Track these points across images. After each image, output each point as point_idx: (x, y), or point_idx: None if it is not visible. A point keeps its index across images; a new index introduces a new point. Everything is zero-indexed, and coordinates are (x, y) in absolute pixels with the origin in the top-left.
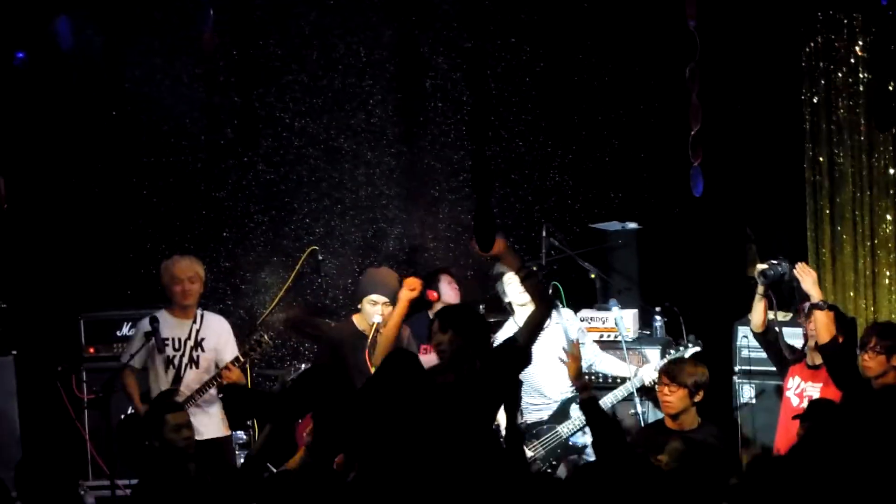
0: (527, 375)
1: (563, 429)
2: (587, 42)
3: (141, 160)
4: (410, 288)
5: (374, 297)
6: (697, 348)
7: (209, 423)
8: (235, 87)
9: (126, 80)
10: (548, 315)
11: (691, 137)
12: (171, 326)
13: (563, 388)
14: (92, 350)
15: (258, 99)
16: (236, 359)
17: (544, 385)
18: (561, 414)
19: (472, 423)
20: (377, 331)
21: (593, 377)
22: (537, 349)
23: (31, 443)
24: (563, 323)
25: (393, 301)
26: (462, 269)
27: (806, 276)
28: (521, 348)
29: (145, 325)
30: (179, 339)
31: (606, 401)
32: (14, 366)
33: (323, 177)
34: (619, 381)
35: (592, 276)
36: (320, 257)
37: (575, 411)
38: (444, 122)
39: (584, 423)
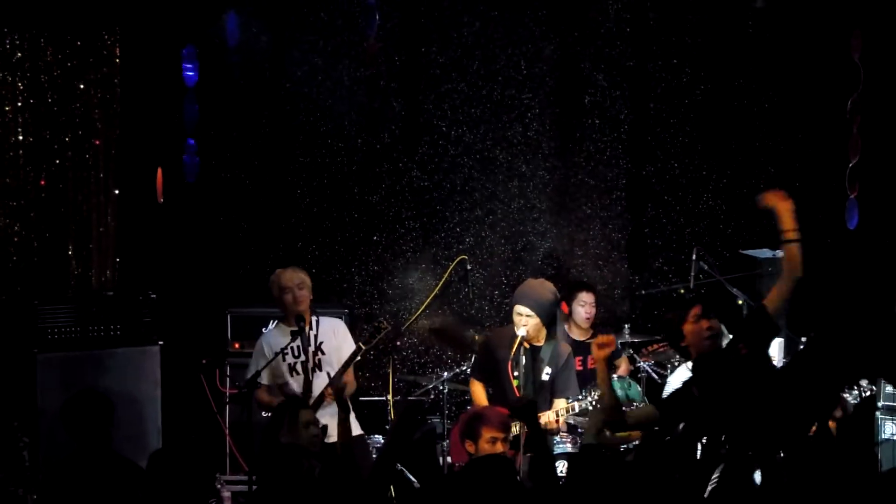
0: None
1: None
2: (749, 68)
3: (297, 159)
4: (598, 344)
5: (518, 307)
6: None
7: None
8: (396, 93)
9: (287, 79)
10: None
11: (849, 169)
12: (287, 336)
13: None
14: (237, 345)
15: (416, 106)
16: (358, 348)
17: None
18: None
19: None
20: (521, 344)
21: None
22: None
23: (171, 432)
24: None
25: (538, 314)
26: (610, 287)
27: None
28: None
29: (268, 340)
30: (298, 348)
31: None
32: (160, 356)
33: (476, 187)
34: None
35: (740, 301)
36: (469, 267)
37: None
38: (601, 139)
39: None
